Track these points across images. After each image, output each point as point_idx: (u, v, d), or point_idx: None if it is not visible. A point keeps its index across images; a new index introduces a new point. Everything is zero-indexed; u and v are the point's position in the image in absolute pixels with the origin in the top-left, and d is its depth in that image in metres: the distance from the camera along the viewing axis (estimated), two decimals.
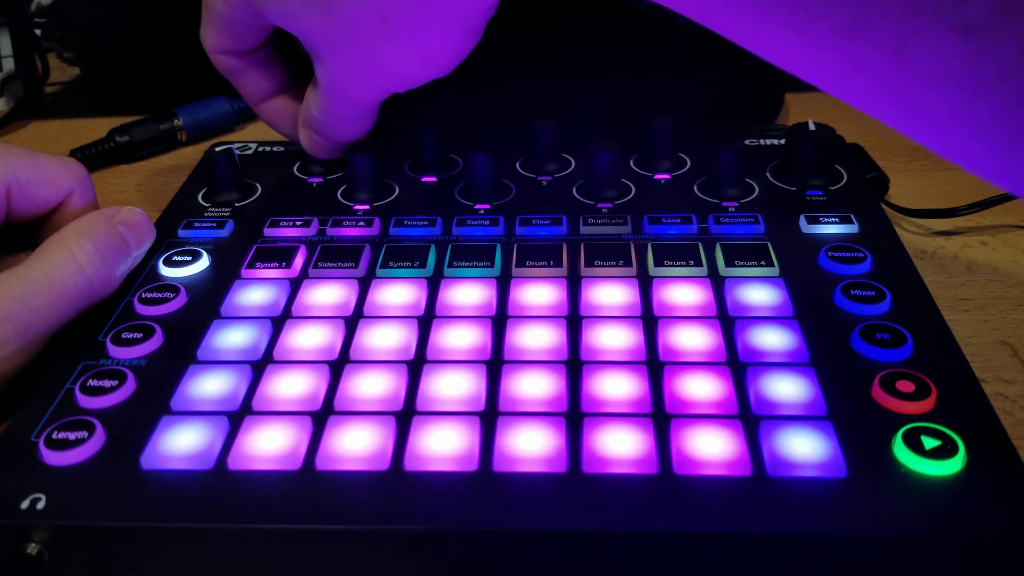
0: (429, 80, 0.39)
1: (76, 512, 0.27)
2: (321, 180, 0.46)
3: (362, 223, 0.41)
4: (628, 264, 0.37)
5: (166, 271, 0.38)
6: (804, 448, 0.28)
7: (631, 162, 0.46)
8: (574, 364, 0.32)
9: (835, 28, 0.23)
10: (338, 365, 0.32)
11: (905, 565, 0.26)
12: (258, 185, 0.45)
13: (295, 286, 0.37)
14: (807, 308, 0.34)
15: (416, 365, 0.32)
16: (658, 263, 0.37)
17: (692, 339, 0.33)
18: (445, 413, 0.30)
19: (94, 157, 0.56)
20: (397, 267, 0.38)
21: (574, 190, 0.43)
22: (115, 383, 0.31)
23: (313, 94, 0.42)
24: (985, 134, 0.23)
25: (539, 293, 0.36)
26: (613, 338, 0.33)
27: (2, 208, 0.37)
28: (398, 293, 0.36)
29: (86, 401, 0.31)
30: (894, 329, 0.32)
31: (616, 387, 0.31)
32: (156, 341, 0.34)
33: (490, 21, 0.38)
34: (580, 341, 0.33)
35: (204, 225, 0.41)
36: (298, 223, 0.41)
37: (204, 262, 0.39)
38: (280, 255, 0.39)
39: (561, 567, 0.27)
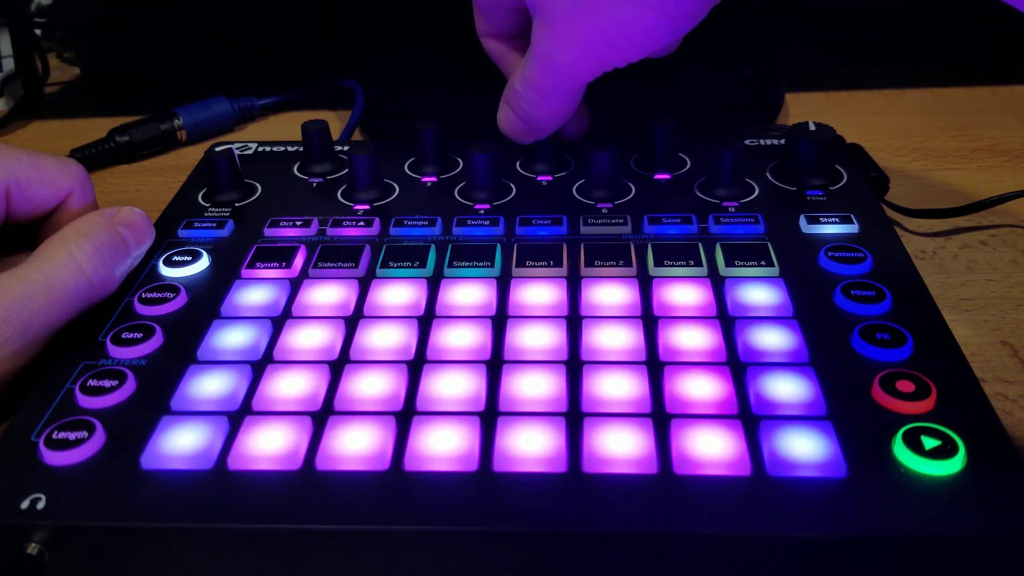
0: (651, 52, 0.37)
1: (76, 512, 0.27)
2: (321, 180, 0.46)
3: (362, 223, 0.41)
4: (628, 264, 0.37)
5: (166, 271, 0.38)
6: (804, 448, 0.28)
7: (631, 162, 0.46)
8: (574, 364, 0.32)
9: None
10: (338, 365, 0.32)
11: (905, 565, 0.26)
12: (258, 185, 0.45)
13: (295, 286, 0.37)
14: (807, 308, 0.34)
15: (416, 365, 0.32)
16: (658, 263, 0.37)
17: (692, 339, 0.33)
18: (445, 413, 0.30)
19: (94, 157, 0.56)
20: (397, 267, 0.38)
21: (574, 190, 0.43)
22: (115, 383, 0.31)
23: (521, 66, 0.40)
24: None
25: (539, 293, 0.36)
26: (613, 338, 0.33)
27: (2, 209, 0.37)
28: (398, 293, 0.36)
29: (86, 401, 0.31)
30: (894, 329, 0.32)
31: (616, 387, 0.31)
32: (156, 341, 0.34)
33: None
34: (580, 341, 0.33)
35: (204, 225, 0.41)
36: (298, 223, 0.41)
37: (204, 262, 0.39)
38: (280, 255, 0.39)
39: (561, 567, 0.27)
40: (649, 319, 0.34)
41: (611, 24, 0.35)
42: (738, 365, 0.32)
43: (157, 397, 0.31)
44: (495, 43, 0.44)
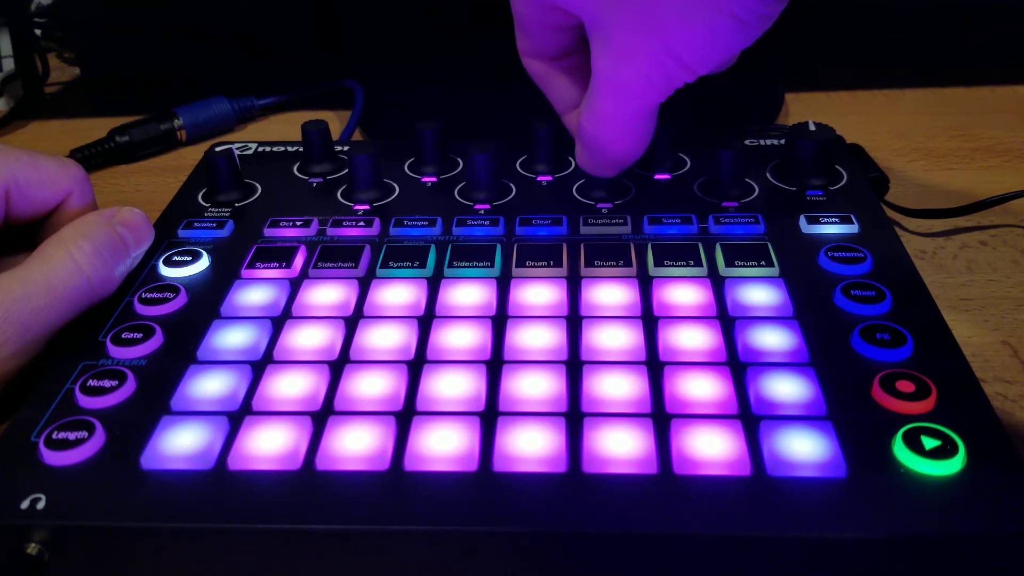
0: (721, 62, 0.34)
1: (76, 512, 0.27)
2: (321, 180, 0.46)
3: (362, 223, 0.41)
4: (628, 264, 0.37)
5: (166, 271, 0.38)
6: (804, 448, 0.28)
7: None
8: (574, 364, 0.32)
9: None
10: (338, 365, 0.32)
11: (905, 565, 0.26)
12: (258, 185, 0.45)
13: (295, 286, 0.37)
14: (807, 308, 0.34)
15: (416, 365, 0.32)
16: (658, 263, 0.37)
17: (692, 339, 0.33)
18: (445, 413, 0.30)
19: (94, 157, 0.56)
20: (397, 267, 0.38)
21: (574, 190, 0.43)
22: (115, 383, 0.31)
23: (586, 100, 0.37)
24: None
25: (539, 293, 0.36)
26: (613, 338, 0.33)
27: (1, 209, 0.37)
28: (398, 293, 0.36)
29: (86, 401, 0.31)
30: (894, 329, 0.32)
31: (616, 387, 0.31)
32: (156, 341, 0.34)
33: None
34: (580, 341, 0.33)
35: (204, 225, 0.41)
36: (298, 223, 0.41)
37: (204, 262, 0.39)
38: (280, 255, 0.39)
39: (561, 567, 0.27)
40: (649, 319, 0.34)
41: (677, 36, 0.33)
42: (738, 365, 0.32)
43: (157, 397, 0.31)
44: (539, 64, 0.41)
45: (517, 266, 0.37)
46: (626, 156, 0.39)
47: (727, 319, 0.34)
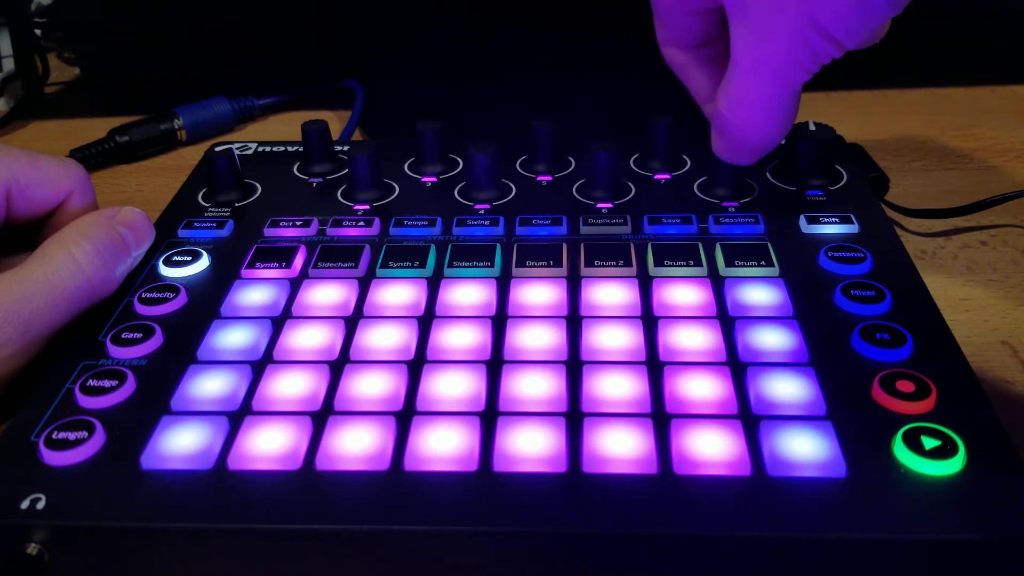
0: (871, 33, 0.33)
1: (76, 512, 0.27)
2: (321, 180, 0.46)
3: (362, 223, 0.41)
4: (628, 264, 0.37)
5: (166, 271, 0.38)
6: (804, 448, 0.28)
7: (631, 162, 0.46)
8: (574, 364, 0.32)
9: None
10: (338, 365, 0.32)
11: (905, 565, 0.26)
12: (258, 185, 0.45)
13: (295, 286, 0.37)
14: (807, 308, 0.34)
15: (416, 365, 0.32)
16: (658, 263, 0.37)
17: (692, 339, 0.33)
18: (445, 413, 0.30)
19: (94, 157, 0.56)
20: (397, 267, 0.38)
21: (574, 190, 0.43)
22: (115, 383, 0.31)
23: (724, 85, 0.35)
24: None
25: (539, 293, 0.36)
26: (613, 338, 0.33)
27: (2, 209, 0.37)
28: (398, 293, 0.36)
29: (86, 401, 0.31)
30: (894, 329, 0.32)
31: (616, 387, 0.31)
32: (156, 341, 0.34)
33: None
34: (580, 341, 0.33)
35: (204, 225, 0.41)
36: (298, 223, 0.41)
37: (204, 262, 0.39)
38: (280, 255, 0.39)
39: (561, 568, 0.27)
40: (649, 319, 0.34)
41: (821, 6, 0.31)
42: (738, 365, 0.32)
43: (157, 397, 0.31)
44: (677, 53, 0.39)
45: (517, 266, 0.37)
46: (766, 141, 0.37)
47: (727, 319, 0.34)
